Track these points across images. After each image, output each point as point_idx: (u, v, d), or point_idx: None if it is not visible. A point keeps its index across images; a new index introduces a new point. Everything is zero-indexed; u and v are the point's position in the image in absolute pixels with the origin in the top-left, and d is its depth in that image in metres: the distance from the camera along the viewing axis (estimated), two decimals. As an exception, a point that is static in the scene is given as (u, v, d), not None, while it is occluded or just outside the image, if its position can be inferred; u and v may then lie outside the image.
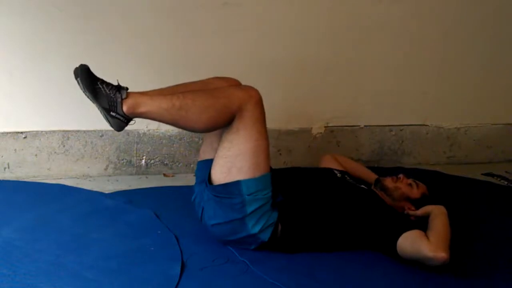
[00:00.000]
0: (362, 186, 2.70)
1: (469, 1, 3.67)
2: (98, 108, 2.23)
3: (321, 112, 3.55)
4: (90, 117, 3.11)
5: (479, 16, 3.72)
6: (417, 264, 2.33)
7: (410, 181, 2.72)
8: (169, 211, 2.72)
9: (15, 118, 3.05)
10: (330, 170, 2.77)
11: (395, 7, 3.52)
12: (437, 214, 2.46)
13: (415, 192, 2.68)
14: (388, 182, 2.72)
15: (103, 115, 2.24)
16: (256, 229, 2.34)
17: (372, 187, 2.77)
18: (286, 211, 2.40)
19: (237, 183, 2.30)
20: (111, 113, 2.21)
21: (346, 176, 2.77)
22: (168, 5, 3.13)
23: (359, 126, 3.65)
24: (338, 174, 2.73)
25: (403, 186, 2.69)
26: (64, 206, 2.69)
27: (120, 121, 2.23)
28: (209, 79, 2.48)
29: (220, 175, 2.34)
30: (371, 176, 2.96)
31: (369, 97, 3.62)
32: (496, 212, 3.07)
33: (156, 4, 3.12)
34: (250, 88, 2.34)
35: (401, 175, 2.75)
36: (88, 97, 2.22)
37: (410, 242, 2.32)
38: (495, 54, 3.82)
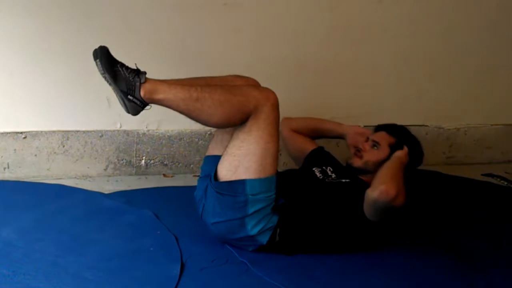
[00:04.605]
0: (344, 180, 2.61)
1: (468, 1, 3.67)
2: (115, 91, 2.24)
3: (321, 112, 3.54)
4: (90, 117, 3.13)
5: (479, 16, 3.72)
6: (387, 215, 2.37)
7: (369, 143, 2.66)
8: (168, 212, 2.72)
9: (15, 118, 3.05)
10: (310, 171, 2.70)
11: (395, 7, 3.52)
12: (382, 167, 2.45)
13: (381, 152, 2.63)
14: (356, 162, 2.66)
15: (119, 98, 2.25)
16: (255, 231, 2.34)
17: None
18: (285, 216, 2.39)
19: (242, 182, 2.30)
20: (129, 96, 2.22)
21: (327, 169, 2.70)
22: (168, 5, 3.13)
23: (359, 126, 3.64)
24: (319, 174, 2.66)
25: (369, 156, 2.63)
26: (64, 206, 2.69)
27: (136, 105, 2.24)
28: (228, 76, 2.49)
29: (226, 172, 2.34)
30: (337, 131, 2.91)
31: (368, 97, 3.62)
32: (495, 212, 3.08)
33: (156, 5, 3.12)
34: (268, 90, 2.34)
35: (360, 146, 2.69)
36: (106, 79, 2.22)
37: (364, 203, 2.36)
38: (495, 54, 3.82)
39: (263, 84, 2.43)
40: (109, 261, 2.24)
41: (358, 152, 2.68)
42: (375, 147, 2.65)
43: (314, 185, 2.57)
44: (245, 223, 2.33)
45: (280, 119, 2.37)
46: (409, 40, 3.61)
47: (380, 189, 2.26)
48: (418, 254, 2.51)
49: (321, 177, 2.64)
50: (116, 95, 2.25)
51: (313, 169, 2.70)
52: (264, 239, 2.36)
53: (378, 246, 2.49)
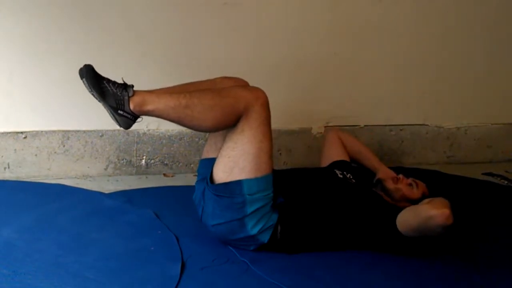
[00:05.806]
0: (363, 186, 2.69)
1: (469, 1, 3.68)
2: (105, 107, 2.24)
3: (321, 111, 3.55)
4: (90, 117, 3.13)
5: (479, 16, 3.72)
6: (423, 236, 2.34)
7: (410, 180, 2.71)
8: (169, 211, 2.72)
9: (15, 118, 3.05)
10: (331, 171, 2.76)
11: (395, 7, 3.53)
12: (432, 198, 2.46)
13: (416, 192, 2.67)
14: (389, 183, 2.71)
15: (110, 114, 2.25)
16: (255, 230, 2.34)
17: (373, 188, 2.76)
18: (286, 213, 2.40)
19: (238, 183, 2.31)
20: (119, 111, 2.22)
21: (348, 175, 2.76)
22: (168, 5, 3.13)
23: (359, 125, 3.65)
24: (340, 175, 2.72)
25: (403, 187, 2.68)
26: (64, 206, 2.69)
27: (127, 119, 2.24)
28: (216, 78, 2.50)
29: (222, 174, 2.34)
30: (373, 163, 2.98)
31: (369, 97, 3.62)
32: (496, 211, 3.08)
33: (156, 4, 3.12)
34: (257, 89, 2.34)
35: (400, 175, 2.75)
36: (95, 96, 2.23)
37: (409, 212, 2.36)
38: (495, 54, 3.82)
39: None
40: (109, 261, 2.24)
41: (395, 179, 2.74)
42: (412, 186, 2.69)
43: (333, 182, 2.62)
44: (245, 223, 2.34)
45: (271, 117, 2.36)
46: (409, 40, 3.61)
47: (444, 211, 2.24)
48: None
49: (341, 177, 2.69)
50: (107, 111, 2.25)
51: (335, 170, 2.76)
52: (265, 237, 2.37)
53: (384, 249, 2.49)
